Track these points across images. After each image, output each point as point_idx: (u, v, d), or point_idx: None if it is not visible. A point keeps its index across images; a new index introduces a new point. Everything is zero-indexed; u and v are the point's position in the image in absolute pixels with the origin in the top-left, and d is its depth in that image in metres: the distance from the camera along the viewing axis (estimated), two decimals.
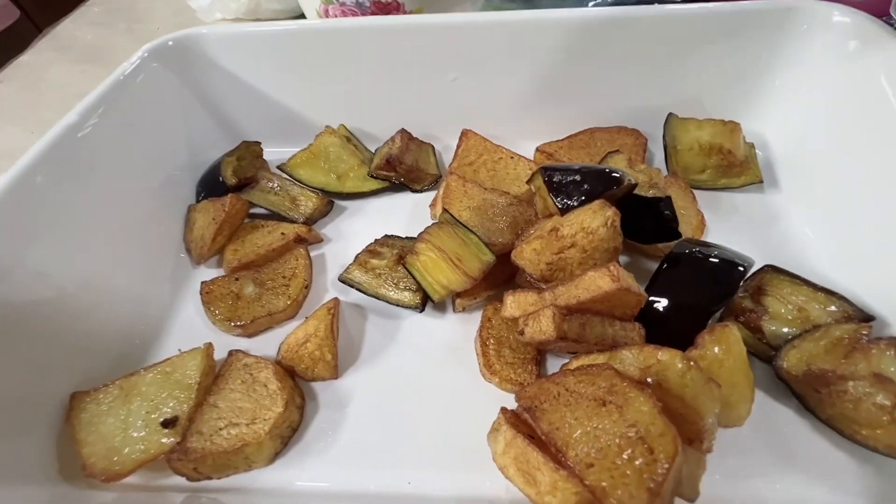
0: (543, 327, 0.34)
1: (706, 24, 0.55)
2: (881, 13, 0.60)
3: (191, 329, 0.49)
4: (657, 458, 0.26)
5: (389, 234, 0.52)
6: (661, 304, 0.41)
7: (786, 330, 0.41)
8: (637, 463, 0.26)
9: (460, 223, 0.46)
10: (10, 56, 0.98)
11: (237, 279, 0.50)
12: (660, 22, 0.55)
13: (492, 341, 0.43)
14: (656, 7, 0.56)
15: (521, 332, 0.36)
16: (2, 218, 0.42)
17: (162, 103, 0.57)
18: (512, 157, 0.57)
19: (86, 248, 0.47)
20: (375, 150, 0.61)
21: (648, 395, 0.29)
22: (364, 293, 0.48)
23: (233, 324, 0.47)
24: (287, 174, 0.59)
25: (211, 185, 0.57)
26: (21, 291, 0.42)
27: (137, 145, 0.55)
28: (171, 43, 0.57)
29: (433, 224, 0.46)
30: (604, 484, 0.26)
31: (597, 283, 0.36)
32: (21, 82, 0.91)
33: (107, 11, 1.09)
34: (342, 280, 0.49)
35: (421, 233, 0.45)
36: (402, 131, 0.60)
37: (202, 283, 0.50)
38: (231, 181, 0.55)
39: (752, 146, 0.54)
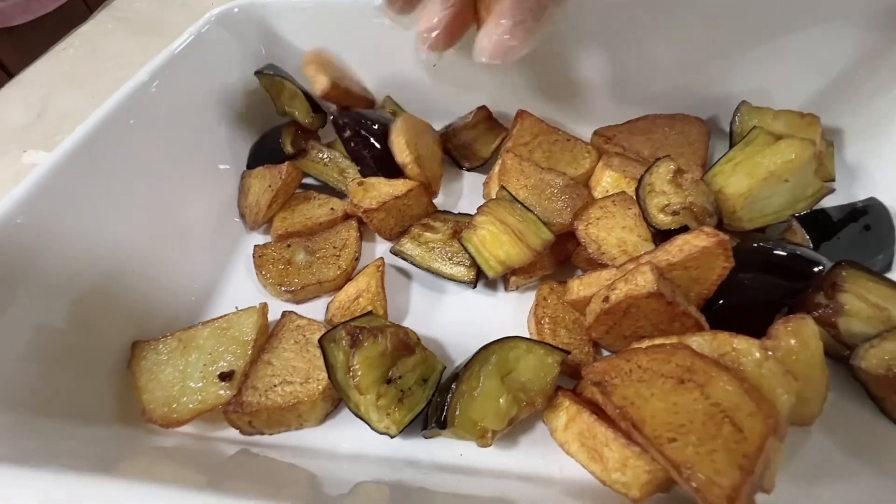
0: (641, 282, 0.33)
1: (779, 10, 0.52)
2: None
3: (243, 291, 0.50)
4: (747, 437, 0.25)
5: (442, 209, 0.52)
6: (730, 292, 0.39)
7: (864, 329, 0.38)
8: (726, 440, 0.25)
9: (518, 201, 0.45)
10: (67, 31, 1.02)
11: (289, 245, 0.50)
12: (726, 4, 0.53)
13: (547, 321, 0.42)
14: None
15: (607, 299, 0.35)
16: (70, 175, 0.43)
17: (224, 69, 0.58)
18: (568, 140, 0.56)
19: (147, 209, 0.48)
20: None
21: (733, 374, 0.27)
22: (416, 266, 0.47)
23: (283, 288, 0.47)
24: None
25: (266, 152, 0.58)
26: (88, 245, 0.43)
27: (198, 109, 0.56)
28: (236, 10, 0.58)
29: (492, 200, 0.45)
30: (688, 459, 0.25)
31: (691, 242, 0.35)
32: (82, 51, 0.94)
33: None
34: (394, 252, 0.49)
35: (480, 207, 0.45)
36: (482, 108, 0.60)
37: (255, 246, 0.51)
38: (289, 149, 0.55)
39: (830, 143, 0.52)
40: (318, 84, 0.54)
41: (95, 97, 0.82)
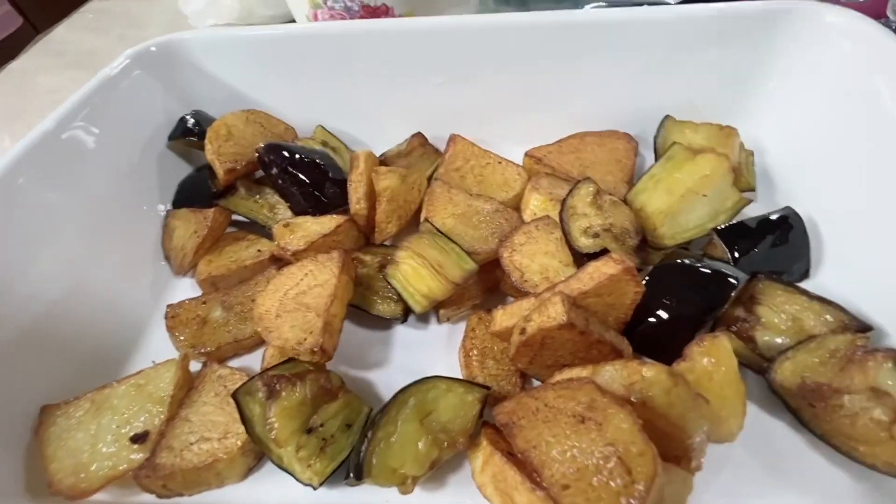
0: (552, 313, 0.33)
1: (698, 27, 0.54)
2: (878, 15, 0.59)
3: (168, 342, 0.48)
4: (635, 478, 0.25)
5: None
6: (650, 313, 0.39)
7: (780, 340, 0.39)
8: (614, 484, 0.25)
9: (441, 232, 0.45)
10: (3, 62, 0.98)
11: (205, 302, 0.48)
12: (651, 24, 0.54)
13: (475, 352, 0.42)
14: (647, 9, 0.55)
15: (523, 331, 0.35)
16: None
17: (144, 108, 0.57)
18: (500, 163, 0.56)
19: (62, 255, 0.47)
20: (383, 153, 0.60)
21: (629, 412, 0.27)
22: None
23: (197, 350, 0.44)
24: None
25: (194, 189, 0.56)
26: None
27: (120, 148, 0.54)
28: (153, 48, 0.57)
29: (414, 234, 0.45)
30: None
31: (600, 269, 0.35)
32: (10, 88, 0.91)
33: (101, 17, 1.09)
34: None
35: (402, 242, 0.44)
36: (418, 134, 0.60)
37: (168, 306, 0.48)
38: (219, 186, 0.54)
39: (750, 154, 0.53)
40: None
41: (21, 138, 0.79)
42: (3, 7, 1.34)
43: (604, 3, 0.86)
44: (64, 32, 1.06)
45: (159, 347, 0.47)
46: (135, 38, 1.03)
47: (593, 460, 0.26)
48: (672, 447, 0.30)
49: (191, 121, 0.57)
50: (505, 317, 0.39)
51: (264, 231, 0.54)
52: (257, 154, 0.52)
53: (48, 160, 0.47)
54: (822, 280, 0.45)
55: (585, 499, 0.25)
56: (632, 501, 0.24)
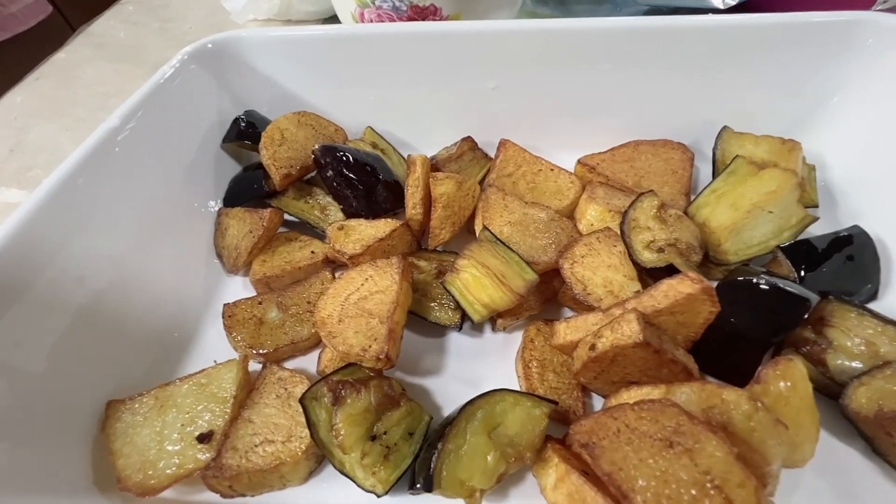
0: (627, 331, 0.33)
1: (759, 37, 0.52)
2: None
3: (223, 340, 0.48)
4: None
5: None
6: (718, 332, 0.39)
7: (853, 364, 0.38)
8: None
9: (501, 241, 0.44)
10: (47, 52, 1.00)
11: (260, 302, 0.48)
12: (708, 33, 0.53)
13: (535, 364, 0.41)
14: (705, 17, 0.54)
15: (593, 347, 0.34)
16: (42, 221, 0.41)
17: (199, 105, 0.57)
18: (552, 170, 0.56)
19: (121, 253, 0.47)
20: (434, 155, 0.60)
21: (721, 439, 0.27)
22: None
23: (255, 351, 0.44)
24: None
25: (246, 188, 0.56)
26: (57, 295, 0.41)
27: (174, 146, 0.54)
28: (210, 45, 0.57)
29: (474, 242, 0.45)
30: None
31: (676, 288, 0.34)
32: (56, 79, 0.92)
33: (140, 10, 1.10)
34: None
35: (463, 250, 0.44)
36: (467, 139, 0.60)
37: (224, 305, 0.48)
38: (277, 188, 0.54)
39: (812, 168, 0.52)
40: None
41: (70, 129, 0.80)
42: None
43: (644, 6, 0.85)
44: (105, 25, 1.07)
45: (214, 345, 0.48)
46: (174, 32, 1.04)
47: (689, 489, 0.25)
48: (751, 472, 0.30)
49: (244, 123, 0.57)
50: (569, 330, 0.39)
51: (314, 232, 0.54)
52: (313, 155, 0.52)
53: (108, 160, 0.48)
54: (892, 303, 0.43)
55: None
56: None
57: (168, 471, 0.37)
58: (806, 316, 0.39)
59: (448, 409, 0.42)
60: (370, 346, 0.38)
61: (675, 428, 0.28)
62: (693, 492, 0.25)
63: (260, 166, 0.56)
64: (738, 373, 0.37)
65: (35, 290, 0.40)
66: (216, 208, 0.57)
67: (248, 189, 0.56)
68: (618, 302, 0.38)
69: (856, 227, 0.46)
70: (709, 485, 0.25)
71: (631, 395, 0.34)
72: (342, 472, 0.36)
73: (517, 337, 0.45)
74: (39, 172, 0.73)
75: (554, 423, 0.39)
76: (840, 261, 0.44)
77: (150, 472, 0.37)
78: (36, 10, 1.37)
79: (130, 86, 0.74)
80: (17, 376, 0.38)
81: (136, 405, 0.40)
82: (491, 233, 0.45)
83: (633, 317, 0.33)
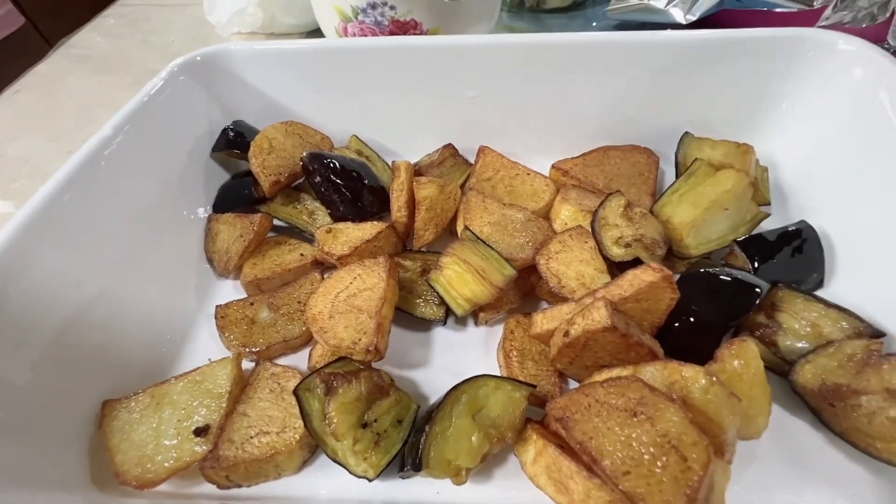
0: (597, 317, 0.35)
1: (716, 50, 0.57)
2: (878, 39, 0.63)
3: (215, 340, 0.50)
4: (691, 466, 0.27)
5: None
6: (680, 318, 0.42)
7: (800, 345, 0.42)
8: (672, 470, 0.27)
9: (481, 240, 0.47)
10: (22, 63, 1.00)
11: (252, 303, 0.50)
12: (671, 47, 0.57)
13: (515, 353, 0.44)
14: (668, 33, 0.59)
15: (567, 334, 0.37)
16: (34, 233, 0.42)
17: (188, 116, 0.59)
18: (528, 174, 0.59)
19: (113, 261, 0.48)
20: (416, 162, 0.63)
21: (679, 407, 0.30)
22: None
23: (248, 349, 0.46)
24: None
25: (235, 194, 0.58)
26: (52, 303, 0.42)
27: (164, 156, 0.56)
28: (199, 58, 0.59)
29: (457, 241, 0.48)
30: (640, 490, 0.27)
31: (640, 277, 0.37)
32: (38, 91, 0.92)
33: (122, 23, 1.11)
34: None
35: (446, 248, 0.47)
36: (448, 146, 0.63)
37: (217, 306, 0.50)
38: (267, 195, 0.56)
39: (765, 169, 0.56)
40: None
41: (55, 140, 0.80)
42: (4, 7, 1.34)
43: (614, 21, 0.90)
44: (86, 37, 1.08)
45: (207, 346, 0.49)
46: (157, 44, 1.06)
47: (650, 450, 0.28)
48: (710, 442, 0.33)
49: (232, 133, 0.59)
50: (545, 320, 0.42)
51: (303, 236, 0.57)
52: (301, 162, 0.54)
53: (98, 172, 0.49)
54: (835, 289, 0.48)
55: (646, 483, 0.27)
56: (690, 485, 0.27)
57: (166, 464, 0.38)
58: (758, 302, 0.43)
59: (434, 398, 0.44)
60: (360, 340, 0.40)
61: (639, 399, 0.31)
62: (652, 450, 0.28)
63: (248, 174, 0.58)
64: (700, 354, 0.40)
65: (30, 294, 0.41)
66: (206, 215, 0.58)
67: (238, 196, 0.58)
68: (588, 292, 0.41)
69: (802, 221, 0.50)
70: (667, 445, 0.28)
71: (602, 377, 0.37)
72: (334, 460, 0.38)
73: (498, 330, 0.48)
74: (25, 183, 0.73)
75: (533, 408, 0.41)
76: (789, 253, 0.49)
77: (148, 466, 0.38)
78: (7, 21, 1.36)
79: (115, 97, 0.75)
80: (14, 378, 0.39)
81: (133, 403, 0.42)
82: (472, 232, 0.47)
83: (601, 304, 0.36)
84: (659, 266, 0.38)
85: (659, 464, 0.28)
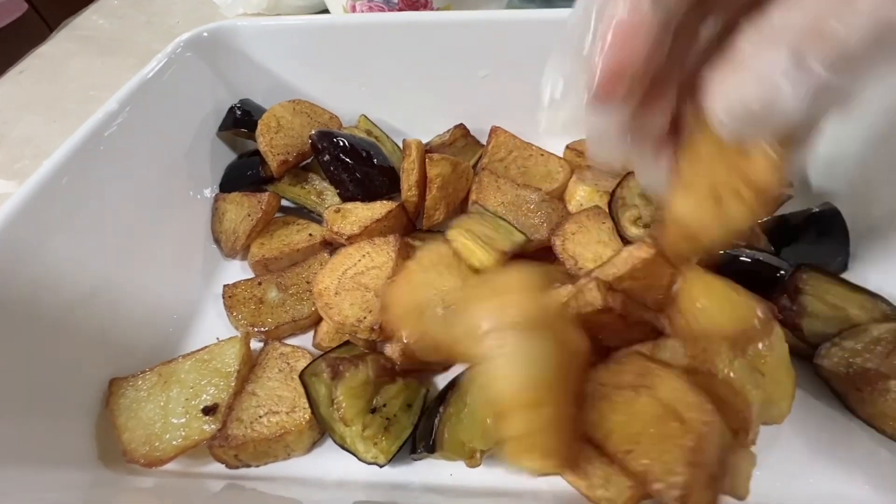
0: (589, 298, 0.34)
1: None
2: None
3: (223, 320, 0.49)
4: (689, 426, 0.26)
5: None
6: None
7: (825, 329, 0.41)
8: (672, 436, 0.26)
9: (489, 211, 0.46)
10: (26, 47, 0.98)
11: (260, 283, 0.49)
12: None
13: None
14: None
15: None
16: (37, 210, 0.41)
17: (194, 94, 0.58)
18: (542, 155, 0.58)
19: (119, 240, 0.47)
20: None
21: (678, 374, 0.29)
22: None
23: (256, 329, 0.45)
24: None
25: (242, 174, 0.57)
26: (58, 282, 0.42)
27: (169, 134, 0.55)
28: (205, 34, 0.57)
29: (462, 214, 0.46)
30: (643, 466, 0.26)
31: (634, 254, 0.36)
32: (41, 73, 0.91)
33: (126, 4, 1.10)
34: None
35: (451, 223, 0.45)
36: (460, 125, 0.61)
37: (224, 286, 0.49)
38: (275, 175, 0.55)
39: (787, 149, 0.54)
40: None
41: (58, 121, 0.80)
42: None
43: None
44: (89, 19, 1.06)
45: (214, 326, 0.49)
46: (161, 25, 1.04)
47: (651, 420, 0.27)
48: (732, 419, 0.32)
49: (239, 111, 0.58)
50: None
51: (311, 216, 0.56)
52: (310, 140, 0.53)
53: (102, 148, 0.48)
54: (860, 272, 0.46)
55: (649, 457, 0.26)
56: (688, 444, 0.25)
57: (174, 442, 0.37)
58: (781, 283, 0.41)
59: (443, 382, 0.43)
60: (365, 318, 0.39)
61: (639, 372, 0.30)
62: (654, 423, 0.27)
63: (255, 154, 0.57)
64: None
65: (37, 273, 0.40)
66: (212, 195, 0.57)
67: (245, 175, 0.57)
68: (584, 272, 0.40)
69: (826, 203, 0.49)
70: (664, 412, 0.27)
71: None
72: (343, 448, 0.37)
73: None
74: (27, 164, 0.73)
75: None
76: (813, 235, 0.47)
77: (156, 444, 0.37)
78: (10, 8, 1.35)
79: (119, 78, 0.74)
80: (22, 357, 0.38)
81: (140, 382, 0.41)
82: (480, 205, 0.46)
83: (592, 285, 0.35)
84: (654, 242, 0.36)
85: (660, 432, 0.27)
